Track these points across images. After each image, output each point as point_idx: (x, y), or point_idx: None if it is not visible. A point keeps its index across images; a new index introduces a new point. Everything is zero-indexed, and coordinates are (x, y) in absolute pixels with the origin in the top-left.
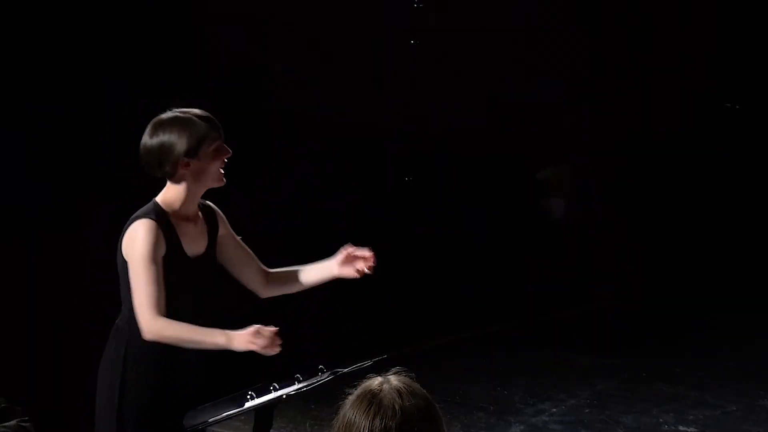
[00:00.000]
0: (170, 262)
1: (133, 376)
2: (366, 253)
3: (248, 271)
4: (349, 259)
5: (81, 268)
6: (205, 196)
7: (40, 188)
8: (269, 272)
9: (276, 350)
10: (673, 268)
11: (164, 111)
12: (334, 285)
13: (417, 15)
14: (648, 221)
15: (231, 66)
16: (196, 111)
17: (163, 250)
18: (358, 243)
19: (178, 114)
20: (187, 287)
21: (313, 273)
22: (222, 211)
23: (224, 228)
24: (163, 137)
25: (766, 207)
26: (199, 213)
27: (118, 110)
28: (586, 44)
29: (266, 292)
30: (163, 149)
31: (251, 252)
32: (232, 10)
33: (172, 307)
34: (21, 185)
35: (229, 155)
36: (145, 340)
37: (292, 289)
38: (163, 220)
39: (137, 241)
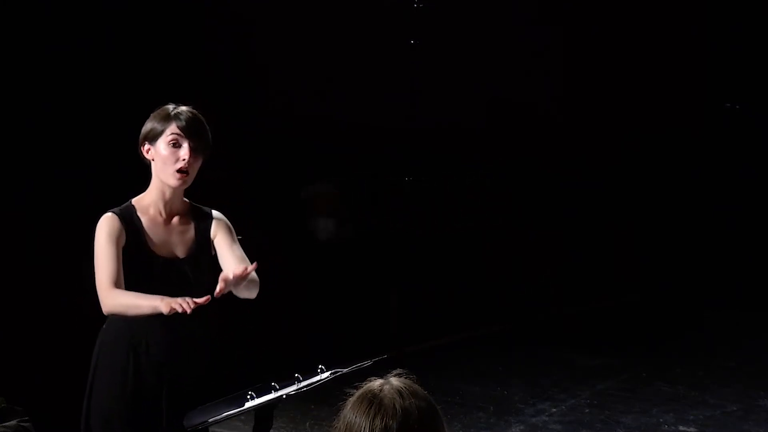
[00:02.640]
0: (131, 256)
1: (101, 379)
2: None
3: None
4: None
5: (81, 268)
6: (204, 200)
7: (40, 188)
8: None
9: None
10: (673, 268)
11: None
12: (334, 285)
13: (417, 15)
14: (648, 221)
15: (231, 67)
16: (182, 106)
17: (123, 241)
18: (359, 243)
19: (168, 105)
20: (161, 287)
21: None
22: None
23: (218, 235)
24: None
25: (766, 205)
26: (187, 218)
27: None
28: (584, 44)
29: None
30: (140, 134)
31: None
32: (233, 11)
33: None
34: (21, 185)
35: (182, 155)
36: (115, 343)
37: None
38: (128, 214)
39: (98, 232)
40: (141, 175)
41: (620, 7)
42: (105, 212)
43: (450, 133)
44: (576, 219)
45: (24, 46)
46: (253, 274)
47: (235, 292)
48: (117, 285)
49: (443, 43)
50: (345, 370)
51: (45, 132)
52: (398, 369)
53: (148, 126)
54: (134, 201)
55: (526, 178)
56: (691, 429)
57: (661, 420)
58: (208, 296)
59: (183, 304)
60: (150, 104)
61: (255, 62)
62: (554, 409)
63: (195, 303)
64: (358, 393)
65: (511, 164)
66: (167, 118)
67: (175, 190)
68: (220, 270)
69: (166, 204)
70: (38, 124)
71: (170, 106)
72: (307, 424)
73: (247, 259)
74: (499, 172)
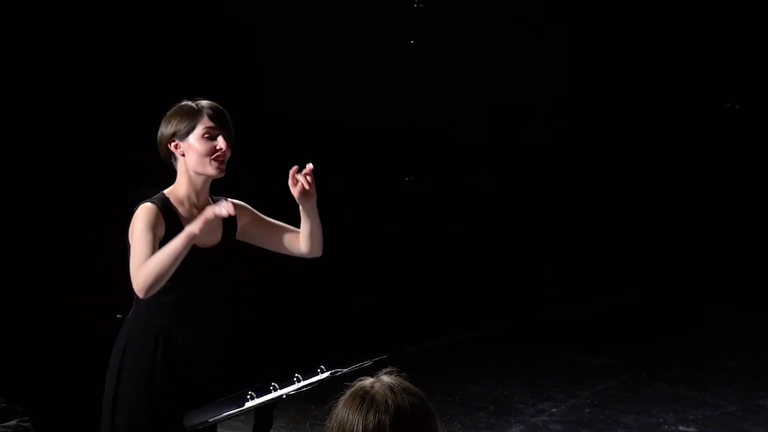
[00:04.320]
0: None
1: (130, 370)
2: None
3: (287, 243)
4: (298, 186)
5: (82, 268)
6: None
7: (40, 188)
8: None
9: (228, 210)
10: (673, 268)
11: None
12: (334, 285)
13: (417, 15)
14: (648, 221)
15: (231, 67)
16: (202, 100)
17: (162, 232)
18: (359, 244)
19: (182, 102)
20: (191, 276)
21: (304, 221)
22: None
23: (246, 217)
24: (163, 122)
25: (766, 205)
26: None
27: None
28: (584, 44)
29: (308, 251)
30: (161, 133)
31: (283, 225)
32: (233, 11)
33: (175, 294)
34: (21, 185)
35: (219, 145)
36: (143, 334)
37: (313, 236)
38: (166, 206)
39: (136, 220)
40: (141, 175)
41: (620, 7)
42: (103, 211)
43: (450, 133)
44: (576, 219)
45: (24, 46)
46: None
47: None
48: None
49: (443, 43)
50: (345, 370)
51: (45, 132)
52: (389, 367)
53: (174, 123)
54: (168, 193)
55: (526, 178)
56: (691, 429)
57: (661, 420)
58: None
59: (221, 210)
60: (150, 104)
61: (255, 62)
62: (554, 409)
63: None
64: (349, 391)
65: (511, 164)
66: (195, 113)
67: (206, 182)
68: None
69: (199, 196)
70: (38, 124)
71: (190, 102)
72: (307, 424)
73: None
74: (499, 172)
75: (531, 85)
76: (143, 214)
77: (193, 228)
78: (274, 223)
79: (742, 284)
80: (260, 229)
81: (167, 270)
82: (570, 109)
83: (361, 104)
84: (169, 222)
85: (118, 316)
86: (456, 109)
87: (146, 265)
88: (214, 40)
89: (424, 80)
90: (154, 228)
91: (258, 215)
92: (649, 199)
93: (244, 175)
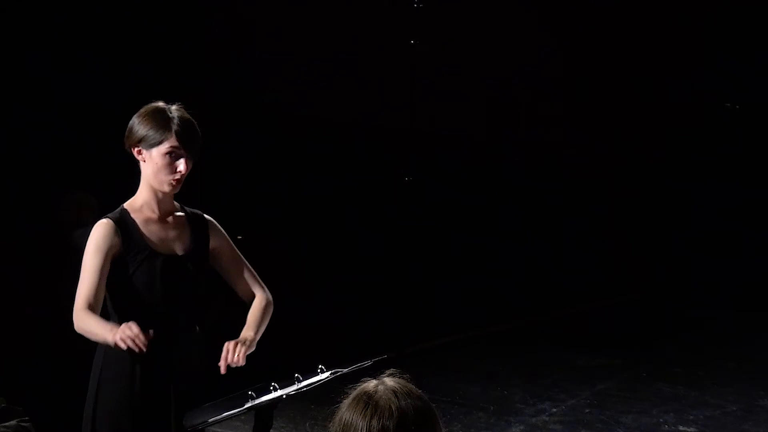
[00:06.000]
0: (131, 259)
1: (108, 384)
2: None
3: (240, 291)
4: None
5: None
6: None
7: (40, 188)
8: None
9: (136, 347)
10: (673, 268)
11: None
12: (334, 285)
13: (417, 15)
14: (648, 221)
15: (230, 67)
16: (175, 110)
17: (117, 248)
18: (358, 242)
19: (162, 106)
20: (160, 285)
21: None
22: (219, 211)
23: (217, 240)
24: (134, 118)
25: (766, 205)
26: (180, 216)
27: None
28: (584, 44)
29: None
30: (129, 128)
31: (246, 271)
32: (233, 11)
33: (140, 304)
34: (21, 185)
35: (180, 168)
36: (119, 349)
37: None
38: (123, 219)
39: (89, 239)
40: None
41: (620, 7)
42: (103, 211)
43: (450, 133)
44: (576, 219)
45: (24, 47)
46: (268, 296)
47: None
48: (87, 303)
49: (443, 43)
50: (345, 370)
51: (45, 132)
52: (392, 369)
53: (143, 130)
54: (126, 205)
55: (526, 178)
56: (691, 429)
57: (661, 420)
58: (152, 331)
59: (129, 342)
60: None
61: (255, 62)
62: (554, 409)
63: (147, 338)
64: (352, 394)
65: (511, 164)
66: (165, 127)
67: (166, 193)
68: (216, 272)
69: (159, 204)
70: (38, 124)
71: (165, 110)
72: (307, 424)
73: (246, 262)
74: (498, 172)
75: (531, 85)
76: (94, 233)
77: (109, 337)
78: (239, 264)
79: (742, 284)
80: (226, 262)
81: (90, 336)
82: (570, 109)
83: (361, 104)
84: (125, 233)
85: None
86: (456, 109)
87: (81, 320)
88: (214, 40)
89: (424, 80)
90: (105, 250)
91: (230, 246)
92: (649, 199)
93: (244, 174)
